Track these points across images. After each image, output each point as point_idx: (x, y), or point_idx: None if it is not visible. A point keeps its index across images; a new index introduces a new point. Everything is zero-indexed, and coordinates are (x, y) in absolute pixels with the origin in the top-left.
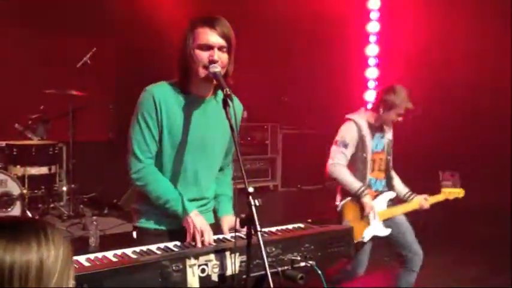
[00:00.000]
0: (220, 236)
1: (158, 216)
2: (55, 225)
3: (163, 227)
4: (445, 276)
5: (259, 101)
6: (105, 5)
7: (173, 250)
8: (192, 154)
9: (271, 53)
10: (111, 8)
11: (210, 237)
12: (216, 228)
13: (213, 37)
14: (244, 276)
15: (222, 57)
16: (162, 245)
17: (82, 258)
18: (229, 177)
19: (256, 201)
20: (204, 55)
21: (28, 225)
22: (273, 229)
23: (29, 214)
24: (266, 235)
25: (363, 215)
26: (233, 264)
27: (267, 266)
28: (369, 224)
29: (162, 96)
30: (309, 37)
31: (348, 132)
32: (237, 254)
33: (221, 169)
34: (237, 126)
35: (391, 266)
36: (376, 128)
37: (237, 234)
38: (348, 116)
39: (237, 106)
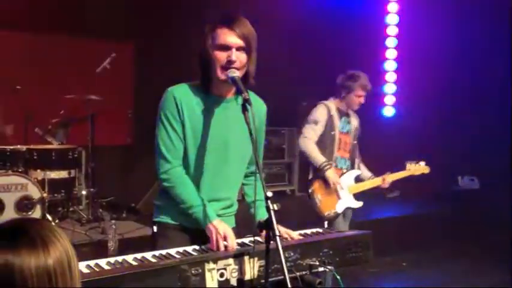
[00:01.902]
0: (239, 240)
1: (178, 212)
2: (73, 228)
3: (183, 223)
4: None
5: (276, 105)
6: (124, 8)
7: (192, 254)
8: (215, 154)
9: (289, 56)
10: (130, 12)
11: (233, 242)
12: (237, 232)
13: (231, 37)
14: (262, 281)
15: (240, 57)
16: (181, 249)
17: (102, 262)
18: (262, 181)
19: (274, 205)
20: (222, 55)
21: (31, 226)
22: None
23: (49, 218)
24: (284, 240)
25: (330, 188)
26: (252, 268)
27: (285, 271)
28: (339, 197)
29: (183, 96)
30: (329, 39)
31: (318, 112)
32: (256, 259)
33: (252, 172)
34: (262, 127)
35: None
36: (343, 112)
37: (255, 238)
38: (319, 102)
39: (260, 106)
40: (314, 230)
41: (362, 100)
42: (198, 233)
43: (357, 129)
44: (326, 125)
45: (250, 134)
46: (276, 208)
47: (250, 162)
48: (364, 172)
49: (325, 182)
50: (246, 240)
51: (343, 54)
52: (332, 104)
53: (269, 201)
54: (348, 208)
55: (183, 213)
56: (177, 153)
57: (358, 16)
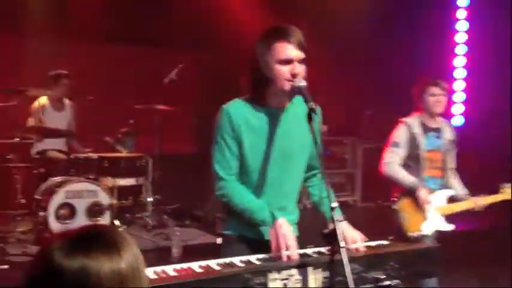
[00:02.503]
0: (301, 251)
1: (243, 225)
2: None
3: (248, 234)
4: None
5: (339, 115)
6: (189, 19)
7: (255, 263)
8: (276, 165)
9: (352, 65)
10: (195, 22)
11: (294, 251)
12: (300, 241)
13: (292, 51)
14: None
15: (301, 69)
16: (244, 258)
17: (169, 268)
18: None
19: (340, 216)
20: (285, 69)
21: (105, 232)
22: (354, 245)
23: (117, 223)
24: (349, 251)
25: (420, 208)
26: (315, 280)
27: (351, 283)
28: (426, 218)
29: (239, 113)
30: (394, 47)
31: (397, 133)
32: (320, 270)
33: (314, 175)
34: (320, 127)
35: None
36: (431, 128)
37: (319, 249)
38: (399, 119)
39: (317, 109)
40: (379, 242)
41: (441, 99)
42: (262, 245)
43: (451, 142)
44: (409, 144)
45: (316, 143)
46: (341, 219)
47: (310, 167)
48: (458, 189)
49: (415, 201)
50: (309, 250)
51: (408, 63)
52: (414, 120)
53: (334, 212)
54: (437, 231)
55: (248, 225)
56: (232, 170)
57: (424, 23)
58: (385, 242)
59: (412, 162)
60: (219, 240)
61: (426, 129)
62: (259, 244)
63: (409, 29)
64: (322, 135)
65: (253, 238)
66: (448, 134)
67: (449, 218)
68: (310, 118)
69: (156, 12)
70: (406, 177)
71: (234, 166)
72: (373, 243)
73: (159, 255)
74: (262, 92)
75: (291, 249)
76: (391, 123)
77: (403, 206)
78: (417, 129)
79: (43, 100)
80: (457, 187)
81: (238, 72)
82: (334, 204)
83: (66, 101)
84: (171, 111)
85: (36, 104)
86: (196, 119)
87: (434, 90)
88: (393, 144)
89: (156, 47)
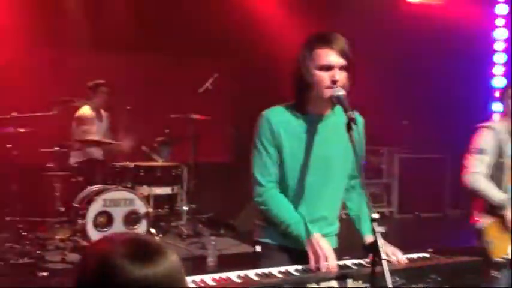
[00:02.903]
0: (341, 262)
1: (280, 233)
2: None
3: (285, 244)
4: None
5: (375, 124)
6: (224, 26)
7: (294, 274)
8: (316, 174)
9: (388, 74)
10: (231, 30)
11: (333, 262)
12: (340, 253)
13: (333, 57)
14: None
15: (341, 76)
16: (282, 269)
17: (207, 278)
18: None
19: (381, 227)
20: (325, 76)
21: (147, 240)
22: (395, 258)
23: (153, 232)
24: (390, 263)
25: (506, 229)
26: None
27: None
28: None
29: (279, 119)
30: (432, 56)
31: (483, 138)
32: (360, 282)
33: (353, 187)
34: (362, 140)
35: None
36: None
37: (359, 261)
38: (480, 124)
39: (358, 119)
40: (420, 255)
41: None
42: (301, 254)
43: None
44: (495, 152)
45: (355, 153)
46: (382, 231)
47: (350, 177)
48: None
49: (502, 220)
50: (349, 262)
51: (446, 71)
52: (501, 125)
53: (375, 224)
54: None
55: (285, 234)
56: (271, 177)
57: (463, 32)
58: (426, 255)
59: (494, 170)
60: (258, 248)
61: None
62: (299, 254)
63: (445, 38)
64: (364, 145)
65: (293, 248)
66: None
67: None
68: (349, 127)
69: (191, 22)
70: (495, 192)
71: (273, 173)
72: (414, 256)
73: (194, 265)
74: (303, 99)
75: (330, 260)
76: (428, 133)
77: (490, 227)
78: (504, 135)
79: (84, 110)
80: None
81: (274, 81)
82: (375, 216)
83: (103, 112)
84: (206, 120)
85: (77, 114)
86: (231, 128)
87: None
88: (479, 151)
89: (192, 56)
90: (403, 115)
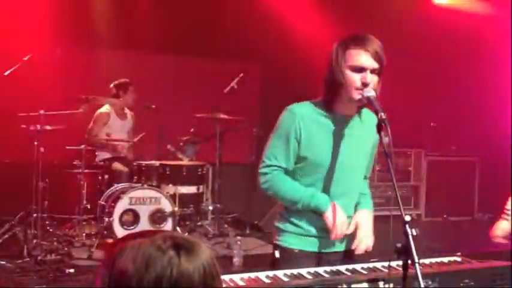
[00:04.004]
0: (371, 265)
1: (301, 237)
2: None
3: (305, 248)
4: None
5: (403, 126)
6: (251, 27)
7: (324, 276)
8: (340, 173)
9: (416, 75)
10: (255, 31)
11: (343, 230)
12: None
13: (366, 59)
14: None
15: (373, 79)
16: (312, 270)
17: (236, 277)
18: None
19: (413, 230)
20: (356, 77)
21: (177, 236)
22: (426, 261)
23: (179, 231)
24: (421, 267)
25: None
26: None
27: None
28: None
29: (306, 115)
30: (460, 56)
31: None
32: (391, 285)
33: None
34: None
35: None
36: None
37: (389, 263)
38: None
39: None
40: (451, 258)
41: None
42: (321, 259)
43: None
44: None
45: (386, 155)
46: (414, 233)
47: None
48: None
49: None
50: (379, 264)
51: (469, 74)
52: None
53: (407, 226)
54: None
55: (305, 236)
56: (281, 164)
57: (494, 34)
58: (457, 259)
59: None
60: (277, 254)
61: None
62: (319, 258)
63: (478, 41)
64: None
65: (312, 251)
66: None
67: None
68: (380, 129)
69: (217, 23)
70: None
71: (284, 163)
72: (444, 259)
73: (220, 264)
74: (332, 98)
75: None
76: (457, 136)
77: None
78: None
79: (107, 109)
80: None
81: (300, 82)
82: (408, 218)
83: (128, 111)
84: (231, 120)
85: (100, 112)
86: (256, 128)
87: None
88: None
89: (218, 56)
90: (432, 117)
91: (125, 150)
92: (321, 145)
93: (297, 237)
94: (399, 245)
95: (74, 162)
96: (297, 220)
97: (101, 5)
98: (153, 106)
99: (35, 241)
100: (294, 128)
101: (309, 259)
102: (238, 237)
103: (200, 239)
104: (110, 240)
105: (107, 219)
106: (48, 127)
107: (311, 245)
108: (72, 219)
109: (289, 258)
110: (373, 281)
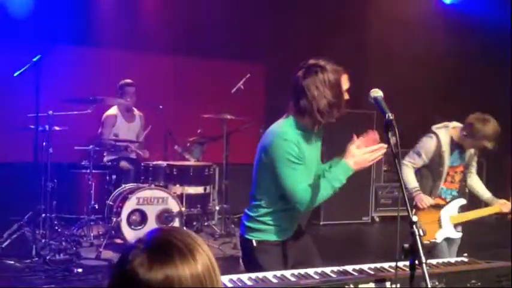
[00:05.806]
0: (379, 265)
1: (272, 230)
2: (206, 241)
3: (273, 239)
4: None
5: (409, 125)
6: (253, 29)
7: (331, 276)
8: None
9: (424, 75)
10: (259, 32)
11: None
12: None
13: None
14: None
15: None
16: (319, 270)
17: (244, 277)
18: None
19: (420, 230)
20: (346, 95)
21: (175, 237)
22: (434, 261)
23: None
24: (428, 268)
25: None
26: None
27: None
28: (441, 226)
29: (294, 136)
30: (466, 59)
31: (426, 145)
32: (398, 285)
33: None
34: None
35: None
36: (458, 145)
37: (396, 263)
38: (433, 127)
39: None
40: (458, 259)
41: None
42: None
43: (476, 153)
44: (432, 159)
45: (394, 155)
46: (421, 234)
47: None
48: (481, 191)
49: (430, 210)
50: (386, 264)
51: (478, 74)
52: (447, 135)
53: (414, 227)
54: (448, 238)
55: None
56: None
57: (496, 40)
58: (464, 259)
59: (432, 174)
60: (254, 243)
61: (453, 145)
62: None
63: (479, 44)
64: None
65: (282, 240)
66: (473, 150)
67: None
68: (387, 129)
69: (223, 24)
70: (410, 182)
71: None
72: (451, 260)
73: (227, 264)
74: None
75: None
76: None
77: (421, 215)
78: (445, 147)
79: (114, 110)
80: (481, 191)
81: None
82: (415, 219)
83: (136, 111)
84: (238, 120)
85: (107, 115)
86: (263, 128)
87: (485, 143)
88: (417, 152)
89: (224, 57)
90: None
91: (133, 153)
92: (305, 157)
93: (270, 231)
94: (406, 245)
95: (82, 163)
96: (263, 218)
97: (110, 4)
98: (161, 107)
99: (43, 241)
100: (297, 150)
101: (282, 247)
102: None
103: (207, 240)
104: (118, 241)
105: (114, 219)
106: (56, 128)
107: (277, 235)
108: (80, 219)
109: (267, 251)
110: (380, 281)
